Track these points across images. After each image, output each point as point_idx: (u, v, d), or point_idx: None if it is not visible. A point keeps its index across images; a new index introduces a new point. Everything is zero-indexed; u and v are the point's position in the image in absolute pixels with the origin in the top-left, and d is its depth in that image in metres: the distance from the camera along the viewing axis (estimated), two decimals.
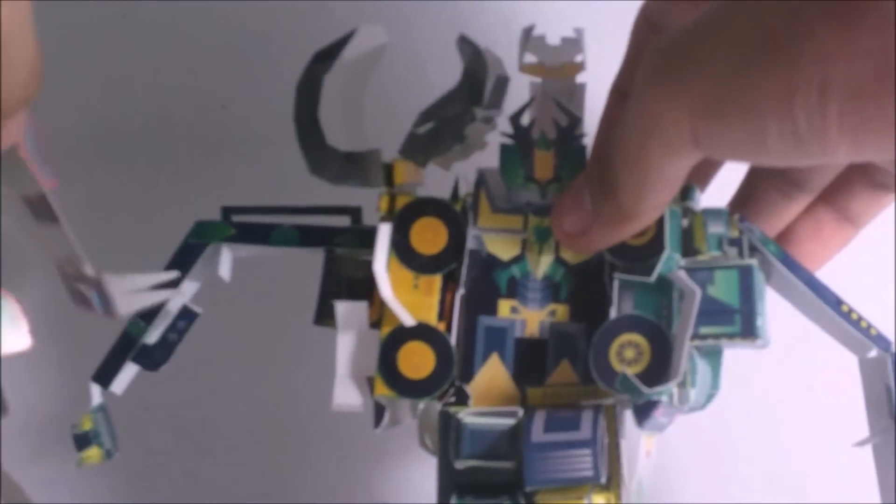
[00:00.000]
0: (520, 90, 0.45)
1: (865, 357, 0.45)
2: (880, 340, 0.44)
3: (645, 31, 0.45)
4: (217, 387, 0.64)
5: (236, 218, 0.47)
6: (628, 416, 0.43)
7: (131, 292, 0.43)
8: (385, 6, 0.63)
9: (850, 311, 0.44)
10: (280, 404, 0.51)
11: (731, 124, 0.34)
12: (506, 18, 0.56)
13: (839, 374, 0.47)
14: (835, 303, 0.44)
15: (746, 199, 0.48)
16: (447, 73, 0.43)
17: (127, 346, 0.46)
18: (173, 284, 0.44)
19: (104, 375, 0.46)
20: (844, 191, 0.47)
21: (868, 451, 0.46)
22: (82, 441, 0.46)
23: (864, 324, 0.44)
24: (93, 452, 0.46)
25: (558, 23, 0.45)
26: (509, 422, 0.42)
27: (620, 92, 0.47)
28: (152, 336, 0.46)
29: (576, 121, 0.44)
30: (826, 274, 0.45)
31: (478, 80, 0.43)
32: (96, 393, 0.46)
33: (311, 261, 0.47)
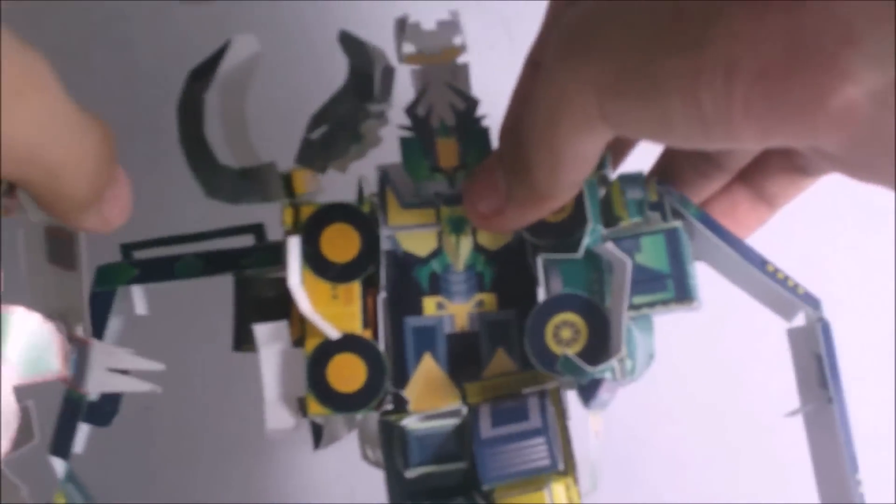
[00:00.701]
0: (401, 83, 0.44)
1: (792, 324, 0.45)
2: (808, 299, 0.43)
3: (562, 3, 0.44)
4: (218, 386, 0.64)
5: (138, 253, 0.45)
6: (570, 397, 0.43)
7: (109, 371, 0.42)
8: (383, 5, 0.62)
9: (776, 270, 0.43)
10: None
11: (636, 104, 0.33)
12: (381, 14, 0.55)
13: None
14: (760, 263, 0.43)
15: (662, 175, 0.47)
16: (325, 75, 0.42)
17: (73, 412, 0.44)
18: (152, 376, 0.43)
19: (61, 447, 0.43)
20: (762, 171, 0.46)
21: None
22: None
23: (790, 283, 0.43)
24: None
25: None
26: (454, 421, 0.41)
27: (535, 63, 0.45)
28: (93, 393, 0.44)
29: (473, 103, 0.42)
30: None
31: (366, 75, 0.41)
32: (59, 466, 0.43)
33: None
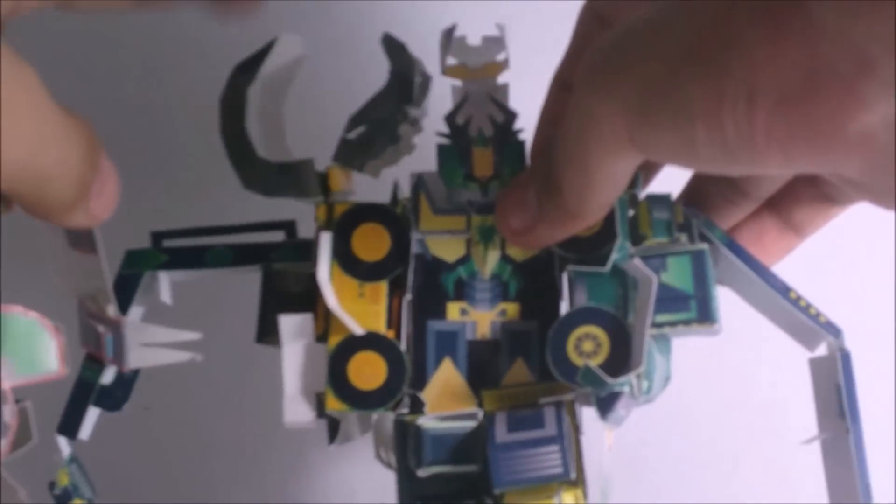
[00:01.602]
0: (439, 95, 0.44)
1: (814, 352, 0.45)
2: (829, 327, 0.44)
3: (591, 24, 0.45)
4: (217, 387, 0.64)
5: (168, 242, 0.46)
6: (585, 412, 0.43)
7: (147, 346, 0.42)
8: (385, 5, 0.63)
9: (799, 297, 0.44)
10: (280, 404, 0.51)
11: (662, 129, 0.33)
12: (424, 19, 0.56)
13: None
14: (783, 289, 0.44)
15: (690, 201, 0.47)
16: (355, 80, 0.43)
17: (85, 392, 0.44)
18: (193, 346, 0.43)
19: (69, 426, 0.44)
20: (790, 199, 0.46)
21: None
22: (64, 498, 0.43)
23: (812, 311, 0.44)
24: None
25: (484, 20, 0.44)
26: (470, 424, 0.41)
27: (562, 83, 0.46)
28: (108, 376, 0.44)
29: (512, 116, 0.43)
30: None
31: (407, 79, 0.42)
32: (64, 445, 0.44)
33: None
